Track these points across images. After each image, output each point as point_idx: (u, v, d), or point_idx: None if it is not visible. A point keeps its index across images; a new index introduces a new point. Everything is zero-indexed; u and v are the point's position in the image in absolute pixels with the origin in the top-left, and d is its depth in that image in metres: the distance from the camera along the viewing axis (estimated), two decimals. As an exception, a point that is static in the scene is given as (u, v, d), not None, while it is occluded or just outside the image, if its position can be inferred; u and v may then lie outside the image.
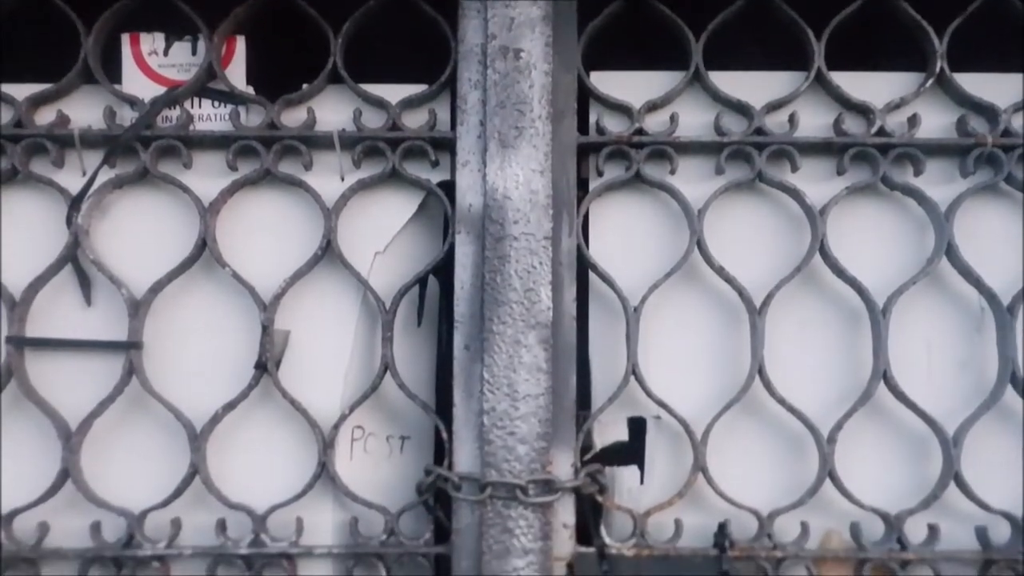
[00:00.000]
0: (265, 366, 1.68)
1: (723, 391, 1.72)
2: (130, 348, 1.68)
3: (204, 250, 1.72)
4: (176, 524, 1.67)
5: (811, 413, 1.69)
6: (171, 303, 1.73)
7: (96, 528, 1.65)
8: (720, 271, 1.72)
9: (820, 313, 1.77)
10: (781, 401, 1.69)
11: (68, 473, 1.65)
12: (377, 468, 1.75)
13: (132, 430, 1.72)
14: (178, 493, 1.66)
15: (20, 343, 1.68)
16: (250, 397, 1.69)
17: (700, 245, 1.72)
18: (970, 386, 1.75)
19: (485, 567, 1.60)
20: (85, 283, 1.72)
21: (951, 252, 1.72)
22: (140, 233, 1.75)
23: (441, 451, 1.67)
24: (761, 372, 1.70)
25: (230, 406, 1.68)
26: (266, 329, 1.68)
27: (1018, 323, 1.70)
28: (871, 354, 1.71)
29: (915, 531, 1.68)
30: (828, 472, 1.68)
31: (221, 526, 1.66)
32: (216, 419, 1.68)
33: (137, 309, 1.69)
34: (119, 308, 1.70)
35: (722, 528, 1.66)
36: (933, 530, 1.68)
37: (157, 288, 1.70)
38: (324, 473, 1.67)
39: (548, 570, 1.61)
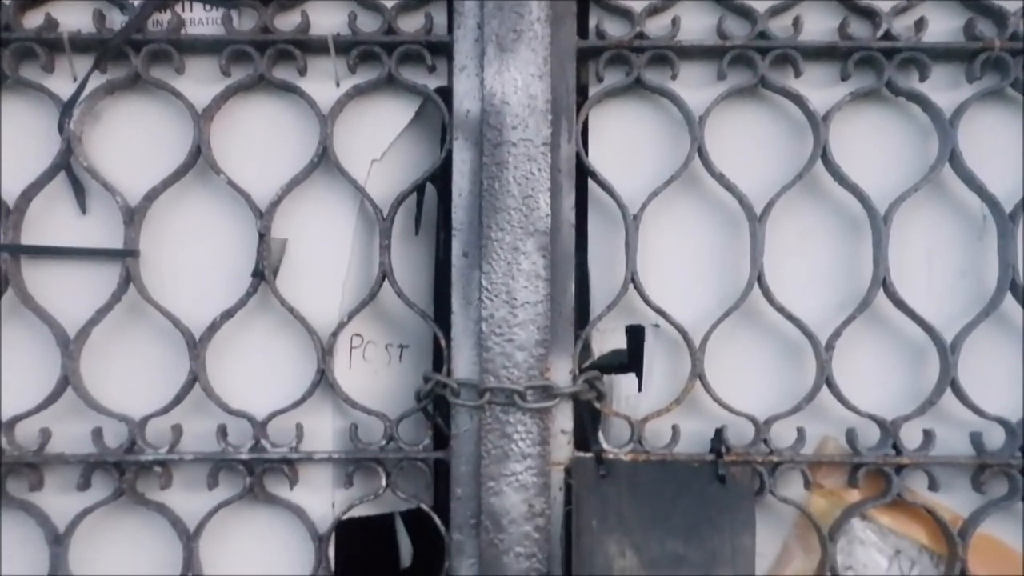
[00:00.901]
0: (262, 274, 1.67)
1: (722, 299, 1.71)
2: (126, 256, 1.67)
3: (199, 157, 1.69)
4: (177, 430, 1.68)
5: (810, 321, 1.69)
6: (166, 211, 1.72)
7: (98, 434, 1.66)
8: (720, 178, 1.70)
9: (821, 221, 1.75)
10: (780, 309, 1.69)
11: (68, 380, 1.65)
12: (376, 376, 1.75)
13: (131, 338, 1.71)
14: (178, 400, 1.66)
15: (16, 251, 1.67)
16: (248, 305, 1.69)
17: (701, 152, 1.70)
18: (970, 294, 1.74)
19: (484, 471, 1.62)
20: (79, 191, 1.70)
21: (955, 159, 1.70)
22: (134, 140, 1.72)
23: (440, 359, 1.68)
24: (760, 280, 1.69)
25: (228, 314, 1.68)
26: (263, 237, 1.67)
27: (1019, 231, 1.69)
28: (871, 262, 1.70)
29: (910, 437, 1.69)
30: (825, 379, 1.68)
31: (222, 432, 1.67)
32: (214, 327, 1.68)
33: (132, 217, 1.68)
34: (114, 216, 1.68)
35: (719, 434, 1.67)
36: (928, 435, 1.69)
37: (152, 196, 1.69)
38: (323, 380, 1.68)
39: (546, 475, 1.62)
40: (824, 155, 1.70)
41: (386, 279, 1.68)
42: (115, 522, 1.69)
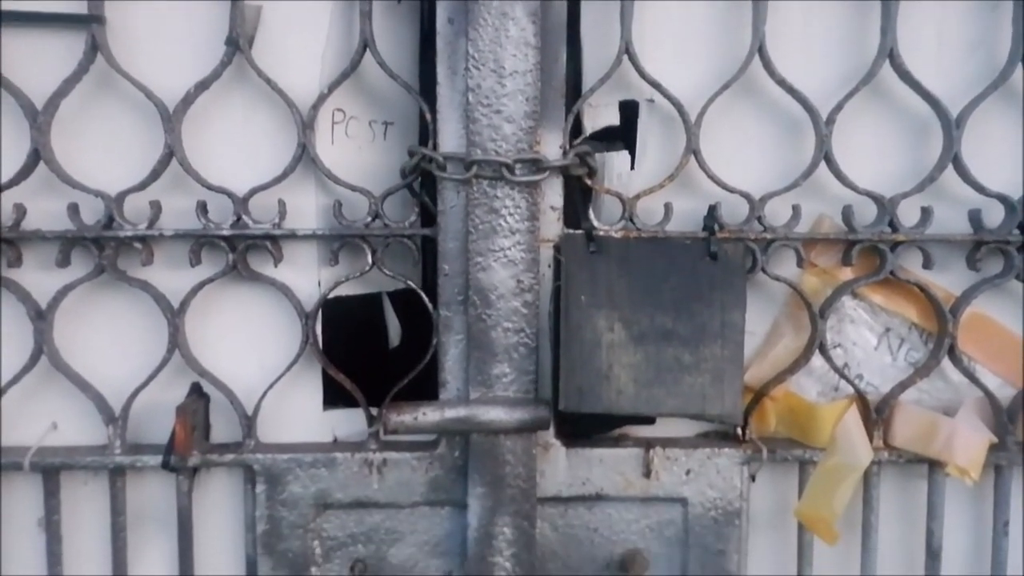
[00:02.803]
0: (237, 43, 1.58)
1: (721, 71, 1.63)
2: (91, 22, 1.57)
3: (162, -85, 1.58)
4: (155, 206, 1.62)
5: (811, 94, 1.62)
6: (131, -26, 1.61)
7: (74, 210, 1.61)
8: (723, -61, 1.60)
9: (828, -12, 1.66)
10: (780, 82, 1.62)
11: (39, 154, 1.59)
12: (360, 153, 1.69)
13: (103, 112, 1.64)
14: (155, 175, 1.61)
15: (-27, 16, 1.58)
16: (224, 77, 1.60)
17: (702, -91, 1.59)
18: (979, 67, 1.67)
19: (471, 247, 1.58)
20: (35, -49, 1.59)
21: (974, -84, 1.60)
22: None
23: (426, 137, 1.61)
24: (761, 51, 1.61)
25: (203, 85, 1.60)
26: (235, 2, 1.57)
27: (1038, -3, 1.60)
28: (879, 32, 1.62)
29: (908, 215, 1.65)
30: (824, 154, 1.63)
31: (202, 208, 1.62)
32: (189, 99, 1.60)
33: (95, -21, 1.57)
34: (76, -20, 1.58)
35: (712, 211, 1.63)
36: (926, 212, 1.65)
37: (114, -45, 1.58)
38: (305, 155, 1.62)
39: (535, 251, 1.59)
40: (835, -86, 1.59)
41: (367, 49, 1.59)
42: (98, 300, 1.67)
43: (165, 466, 1.62)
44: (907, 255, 1.66)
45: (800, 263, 1.66)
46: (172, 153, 1.60)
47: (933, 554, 1.70)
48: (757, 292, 1.69)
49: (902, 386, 1.69)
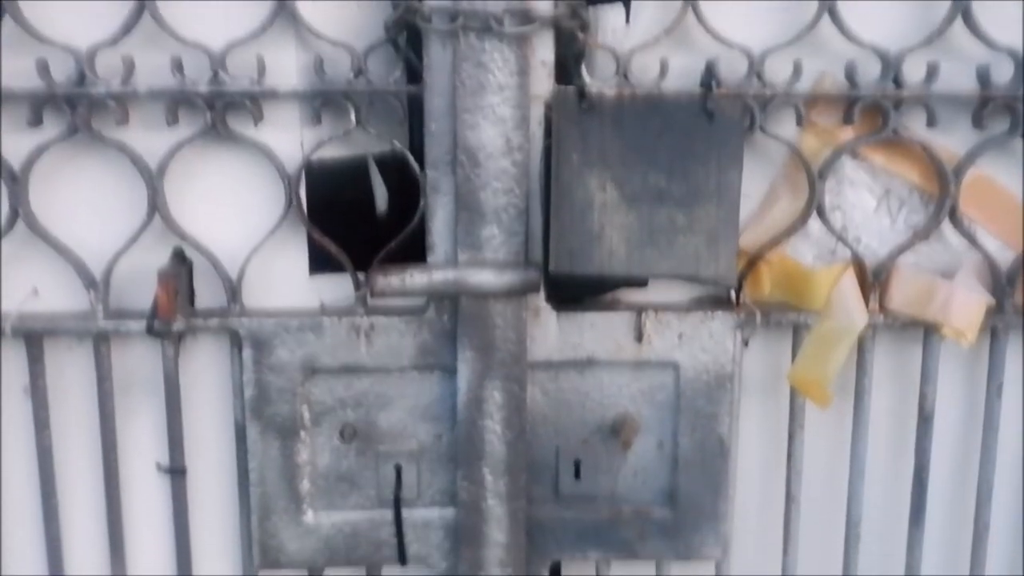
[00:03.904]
0: None
1: (721, -81, 1.55)
2: None
3: None
4: (128, 63, 1.55)
5: (816, -58, 1.54)
6: None
7: (43, 67, 1.54)
8: None
9: None
10: (784, -68, 1.54)
11: (3, 7, 1.51)
12: (341, 7, 1.60)
13: (68, -37, 1.56)
14: (126, 29, 1.53)
15: None
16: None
17: None
18: (994, -88, 1.58)
19: (459, 104, 1.52)
20: None
21: None
22: None
23: (412, -5, 1.54)
24: (765, -92, 1.52)
25: (173, -65, 1.51)
26: None
27: None
28: None
29: (914, 72, 1.59)
30: (828, 8, 1.55)
31: (177, 65, 1.55)
32: (160, -49, 1.52)
33: None
34: None
35: (709, 67, 1.57)
36: (932, 68, 1.59)
37: None
38: (283, 8, 1.54)
39: (525, 107, 1.54)
40: None
41: None
42: (75, 162, 1.61)
43: (149, 331, 1.59)
44: (911, 114, 1.61)
45: (800, 122, 1.60)
46: (143, 5, 1.53)
47: (925, 417, 1.70)
48: (754, 153, 1.63)
49: (900, 249, 1.65)
